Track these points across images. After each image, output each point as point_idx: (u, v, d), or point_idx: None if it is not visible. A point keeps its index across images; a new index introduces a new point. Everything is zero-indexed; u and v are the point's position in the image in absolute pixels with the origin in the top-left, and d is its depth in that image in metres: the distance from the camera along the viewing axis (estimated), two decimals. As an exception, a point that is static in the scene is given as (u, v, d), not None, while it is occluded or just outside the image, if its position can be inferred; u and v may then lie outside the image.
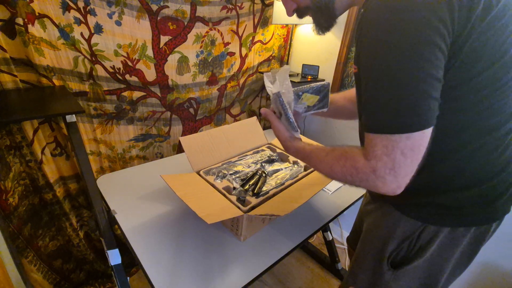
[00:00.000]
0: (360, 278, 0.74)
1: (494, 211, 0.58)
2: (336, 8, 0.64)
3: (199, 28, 1.28)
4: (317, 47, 1.61)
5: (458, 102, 0.49)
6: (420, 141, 0.46)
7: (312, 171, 1.03)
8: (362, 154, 0.51)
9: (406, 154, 0.46)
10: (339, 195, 1.10)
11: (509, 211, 0.59)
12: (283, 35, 1.70)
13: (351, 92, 0.87)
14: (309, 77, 1.58)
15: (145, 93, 1.27)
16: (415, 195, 0.59)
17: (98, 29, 1.04)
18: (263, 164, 1.06)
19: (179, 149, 1.53)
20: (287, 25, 1.66)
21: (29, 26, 0.90)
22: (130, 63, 1.16)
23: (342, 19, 1.42)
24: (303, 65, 1.59)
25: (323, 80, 1.62)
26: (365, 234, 0.74)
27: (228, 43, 1.43)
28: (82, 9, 0.98)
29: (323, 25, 0.69)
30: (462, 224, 0.58)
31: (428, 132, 0.46)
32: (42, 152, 1.06)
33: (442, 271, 0.62)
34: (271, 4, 1.49)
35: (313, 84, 0.77)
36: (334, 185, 1.14)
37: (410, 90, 0.44)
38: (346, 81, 1.52)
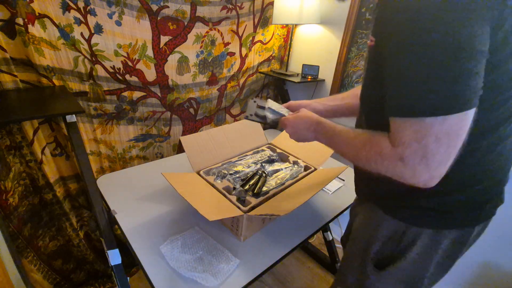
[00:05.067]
0: (347, 278, 0.74)
1: (477, 216, 0.57)
2: None
3: (199, 28, 1.28)
4: (317, 47, 1.61)
5: None
6: (459, 124, 0.41)
7: (312, 171, 1.03)
8: (389, 140, 0.46)
9: (441, 140, 0.41)
10: (339, 195, 1.10)
11: (494, 214, 0.59)
12: (283, 35, 1.70)
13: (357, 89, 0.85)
14: (309, 77, 1.58)
15: (145, 93, 1.26)
16: (399, 196, 0.59)
17: (98, 29, 1.04)
18: (263, 164, 1.06)
19: (179, 149, 1.53)
20: (287, 25, 1.66)
21: (29, 26, 0.89)
22: (130, 63, 1.16)
23: (342, 19, 1.42)
24: (303, 65, 1.59)
25: (323, 80, 1.62)
26: (353, 234, 0.75)
27: (228, 43, 1.43)
28: (82, 9, 0.98)
29: None
30: (444, 226, 0.57)
31: (470, 114, 0.41)
32: (42, 152, 1.06)
33: (425, 272, 0.62)
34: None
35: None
36: (334, 185, 1.14)
37: (452, 67, 0.39)
38: (346, 81, 1.52)
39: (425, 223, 0.58)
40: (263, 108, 0.82)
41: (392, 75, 0.45)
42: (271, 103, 0.83)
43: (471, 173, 0.53)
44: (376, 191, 0.65)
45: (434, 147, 0.41)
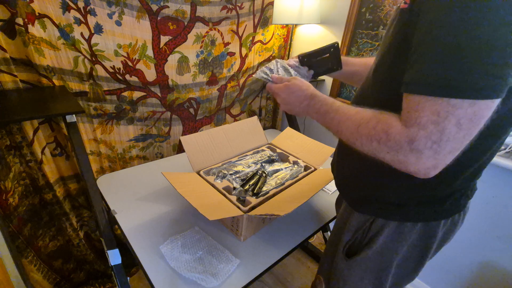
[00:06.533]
0: (324, 267, 0.77)
1: (440, 211, 0.58)
2: None
3: (199, 28, 1.28)
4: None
5: None
6: (485, 111, 0.36)
7: (312, 171, 1.03)
8: (400, 119, 0.42)
9: (462, 126, 0.36)
10: (339, 195, 1.10)
11: (460, 210, 0.59)
12: (283, 35, 1.70)
13: (369, 59, 0.79)
14: (309, 77, 1.58)
15: (145, 93, 1.26)
16: (365, 187, 0.61)
17: (98, 29, 1.04)
18: (263, 164, 1.06)
19: (179, 149, 1.53)
20: (287, 25, 1.66)
21: (29, 26, 0.89)
22: (130, 63, 1.16)
23: (342, 19, 1.42)
24: (303, 65, 1.59)
25: (323, 80, 1.61)
26: (334, 225, 0.77)
27: (228, 43, 1.43)
28: (82, 9, 0.98)
29: None
30: (408, 219, 0.58)
31: (497, 103, 0.36)
32: (42, 152, 1.06)
33: (391, 263, 0.62)
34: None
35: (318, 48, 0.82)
36: (334, 185, 1.14)
37: (502, 43, 0.33)
38: (346, 81, 1.51)
39: (388, 216, 0.59)
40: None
41: (421, 46, 0.39)
42: (280, 64, 0.78)
43: (441, 177, 0.46)
44: (350, 183, 0.67)
45: (452, 132, 0.37)
